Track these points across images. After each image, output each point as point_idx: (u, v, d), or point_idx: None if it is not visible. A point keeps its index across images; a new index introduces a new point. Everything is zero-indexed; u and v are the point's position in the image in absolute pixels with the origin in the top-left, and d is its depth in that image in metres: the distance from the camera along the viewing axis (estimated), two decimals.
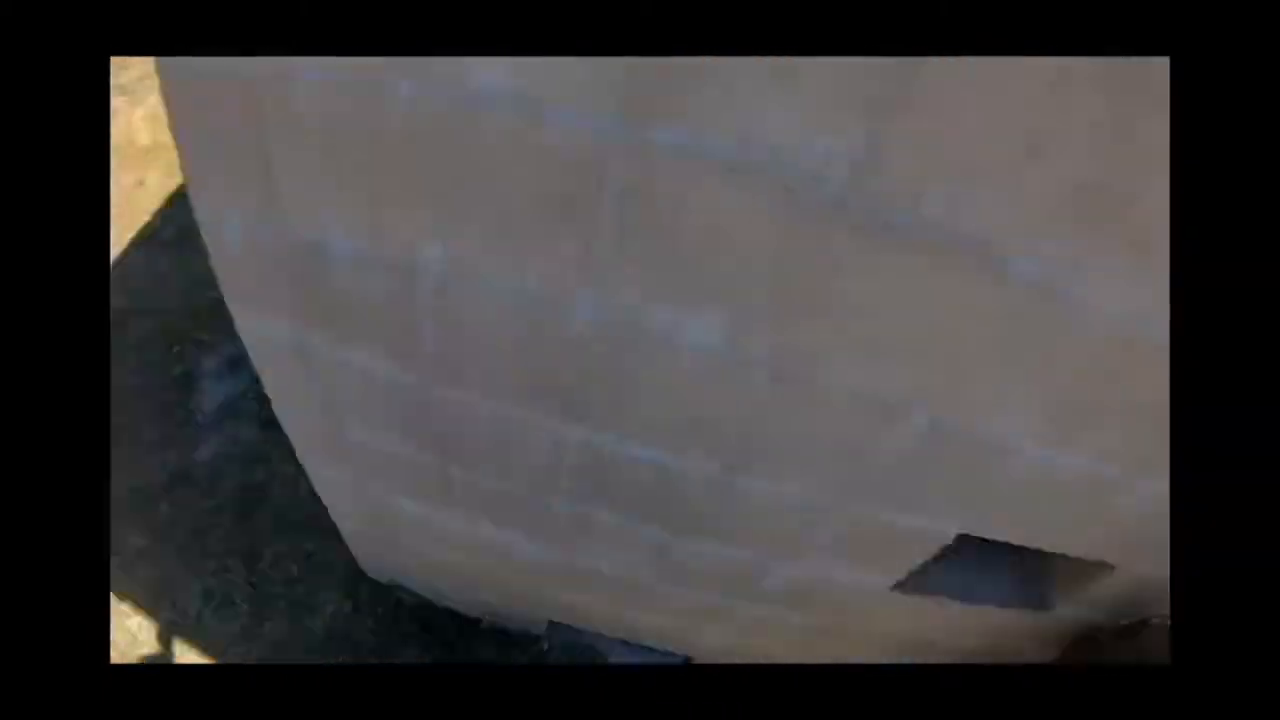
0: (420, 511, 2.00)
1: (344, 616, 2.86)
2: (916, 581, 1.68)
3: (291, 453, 1.97)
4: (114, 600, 2.81)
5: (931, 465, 1.22)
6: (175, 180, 4.12)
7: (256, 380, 2.04)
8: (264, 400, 2.03)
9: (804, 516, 1.45)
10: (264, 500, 3.12)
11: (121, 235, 3.90)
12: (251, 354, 1.53)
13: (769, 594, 1.84)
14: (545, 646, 2.76)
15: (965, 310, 0.94)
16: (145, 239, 3.91)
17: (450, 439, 1.55)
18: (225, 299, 1.37)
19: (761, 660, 2.28)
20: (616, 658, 2.84)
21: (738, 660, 2.36)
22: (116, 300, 3.61)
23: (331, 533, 2.59)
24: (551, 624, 2.67)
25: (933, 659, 2.09)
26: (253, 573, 2.95)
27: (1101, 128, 0.72)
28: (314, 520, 2.87)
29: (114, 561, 2.88)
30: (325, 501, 2.29)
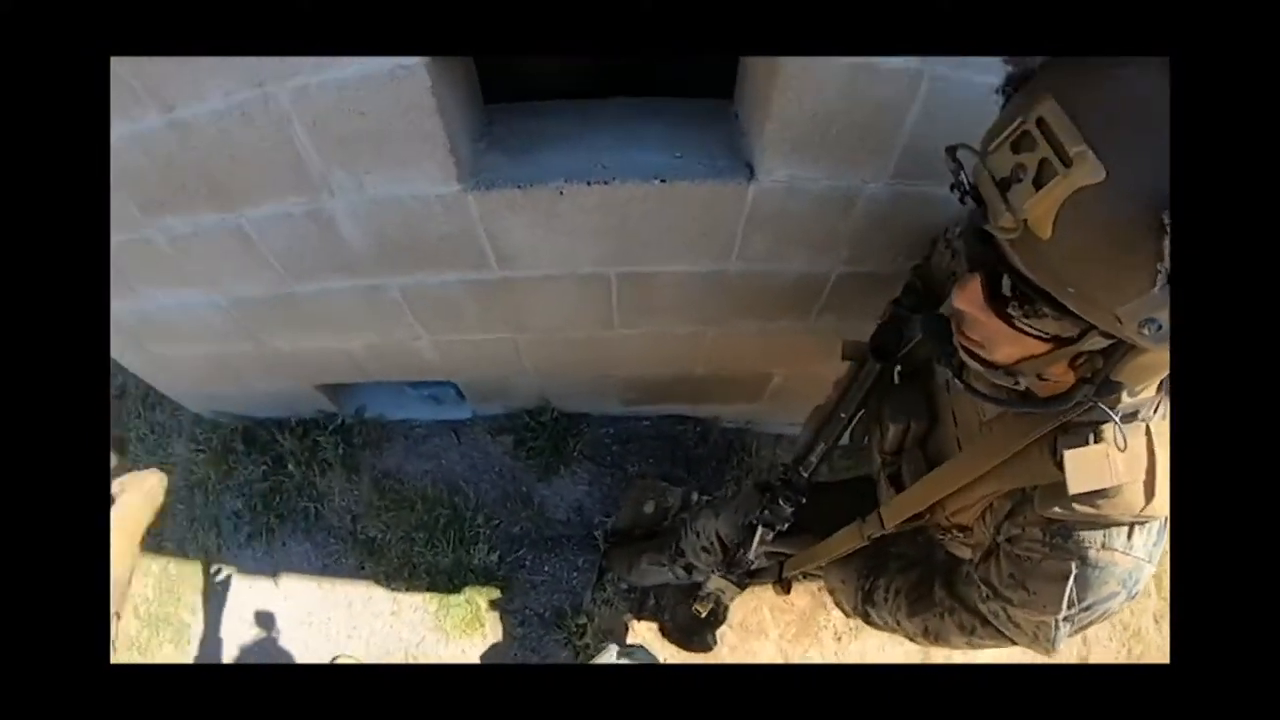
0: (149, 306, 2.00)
1: (199, 462, 3.00)
2: None
3: None
4: None
5: None
6: None
7: None
8: None
9: None
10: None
11: None
12: None
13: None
14: (341, 420, 2.88)
15: None
16: None
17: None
18: None
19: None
20: (403, 413, 2.92)
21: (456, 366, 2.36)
22: None
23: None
24: (330, 391, 2.72)
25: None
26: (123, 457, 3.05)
27: None
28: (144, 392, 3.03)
29: None
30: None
